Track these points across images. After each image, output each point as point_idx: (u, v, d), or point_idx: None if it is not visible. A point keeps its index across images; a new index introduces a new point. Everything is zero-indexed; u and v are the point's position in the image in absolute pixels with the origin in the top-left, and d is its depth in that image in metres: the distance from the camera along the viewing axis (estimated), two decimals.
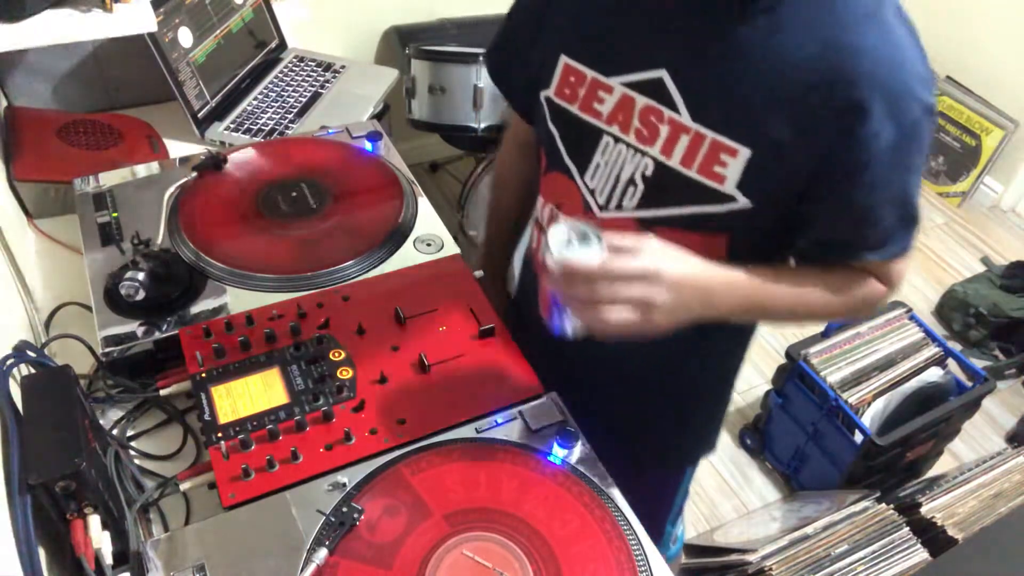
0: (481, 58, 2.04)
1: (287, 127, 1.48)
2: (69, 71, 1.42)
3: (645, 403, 1.04)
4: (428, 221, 1.13)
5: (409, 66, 2.11)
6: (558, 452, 0.83)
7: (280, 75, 1.62)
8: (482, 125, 2.12)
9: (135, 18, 1.28)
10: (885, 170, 0.74)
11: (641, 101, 0.79)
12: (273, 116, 1.50)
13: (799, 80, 0.71)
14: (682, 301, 0.73)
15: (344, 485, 0.79)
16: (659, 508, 1.23)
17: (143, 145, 1.33)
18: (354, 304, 0.98)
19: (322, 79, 1.63)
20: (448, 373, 0.91)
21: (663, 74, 0.77)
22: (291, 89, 1.58)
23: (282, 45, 1.69)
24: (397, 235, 1.09)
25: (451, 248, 1.09)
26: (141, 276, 0.93)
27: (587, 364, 0.96)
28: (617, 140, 0.82)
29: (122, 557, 0.74)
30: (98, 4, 1.26)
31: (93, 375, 0.94)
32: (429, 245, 1.09)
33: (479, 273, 1.06)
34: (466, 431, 0.86)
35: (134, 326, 0.94)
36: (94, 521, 0.72)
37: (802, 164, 0.74)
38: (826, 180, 0.75)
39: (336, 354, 0.92)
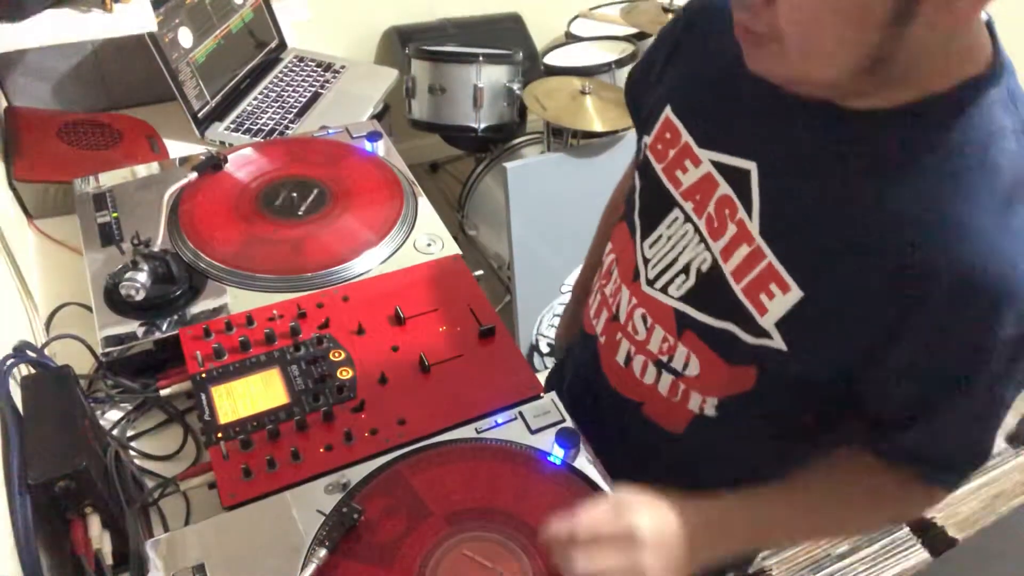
0: (481, 58, 2.04)
1: (287, 127, 1.48)
2: (69, 71, 1.42)
3: None
4: (428, 221, 1.13)
5: (409, 66, 2.11)
6: (558, 452, 0.83)
7: (280, 75, 1.62)
8: (482, 125, 2.12)
9: (135, 18, 1.28)
10: (948, 377, 0.62)
11: (722, 188, 0.69)
12: (273, 116, 1.50)
13: (887, 241, 0.59)
14: (671, 558, 0.65)
15: (344, 485, 0.79)
16: None
17: (143, 145, 1.33)
18: (354, 304, 0.98)
19: (322, 79, 1.63)
20: (448, 373, 0.91)
21: (753, 167, 0.66)
22: (291, 89, 1.58)
23: (282, 45, 1.69)
24: (397, 235, 1.09)
25: (451, 248, 1.09)
26: (141, 276, 0.93)
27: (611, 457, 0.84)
28: (687, 219, 0.73)
29: (122, 557, 0.74)
30: (98, 4, 1.26)
31: (93, 375, 0.94)
32: (429, 245, 1.09)
33: (479, 273, 1.06)
34: (466, 431, 0.85)
35: (134, 326, 0.94)
36: (94, 521, 0.72)
37: (856, 335, 0.63)
38: (884, 363, 0.63)
39: (336, 354, 0.92)
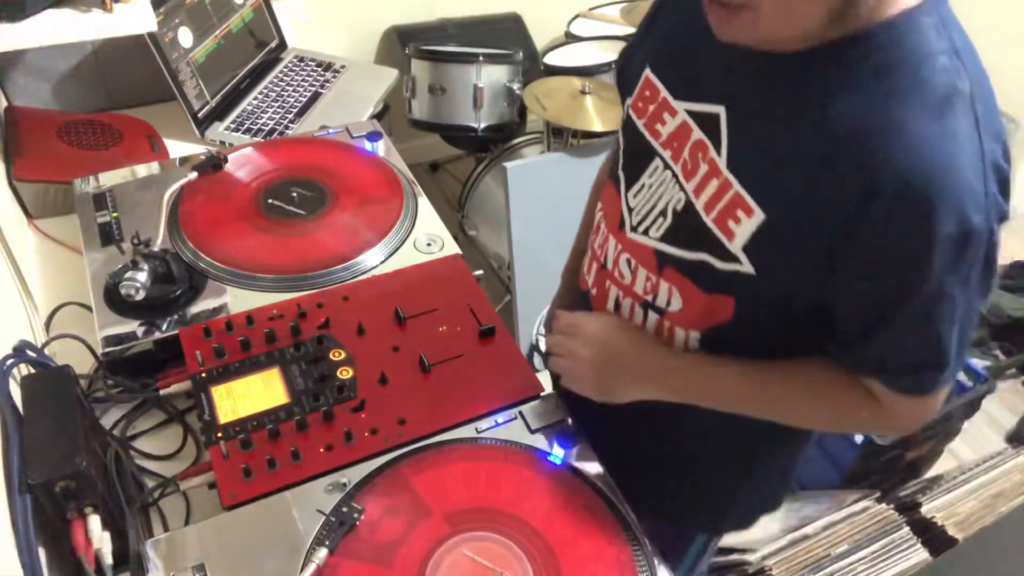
0: (481, 58, 2.04)
1: (287, 127, 1.48)
2: (69, 71, 1.42)
3: (652, 451, 0.94)
4: (428, 221, 1.13)
5: (409, 66, 2.11)
6: (558, 452, 0.83)
7: (280, 75, 1.62)
8: (482, 125, 2.12)
9: (135, 18, 1.28)
10: (897, 282, 0.66)
11: (696, 133, 0.76)
12: (273, 116, 1.50)
13: (836, 153, 0.65)
14: (604, 359, 0.82)
15: (344, 485, 0.79)
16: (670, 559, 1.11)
17: (143, 145, 1.33)
18: (354, 304, 0.98)
19: (322, 79, 1.63)
20: (448, 373, 0.91)
21: (721, 111, 0.73)
22: (291, 89, 1.58)
23: (282, 45, 1.69)
24: (397, 235, 1.09)
25: (451, 248, 1.09)
26: (141, 276, 0.93)
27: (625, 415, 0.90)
28: (666, 166, 0.80)
29: (122, 557, 0.74)
30: (98, 4, 1.26)
31: (93, 375, 0.94)
32: (429, 245, 1.09)
33: (479, 273, 1.06)
34: (466, 431, 0.86)
35: (134, 326, 0.94)
36: (94, 521, 0.72)
37: (812, 249, 0.68)
38: (838, 274, 0.68)
39: (336, 354, 0.92)
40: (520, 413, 0.87)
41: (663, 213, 0.80)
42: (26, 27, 1.20)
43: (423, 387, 0.89)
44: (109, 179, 1.15)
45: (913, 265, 0.64)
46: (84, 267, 1.01)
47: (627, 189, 0.85)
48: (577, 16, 2.54)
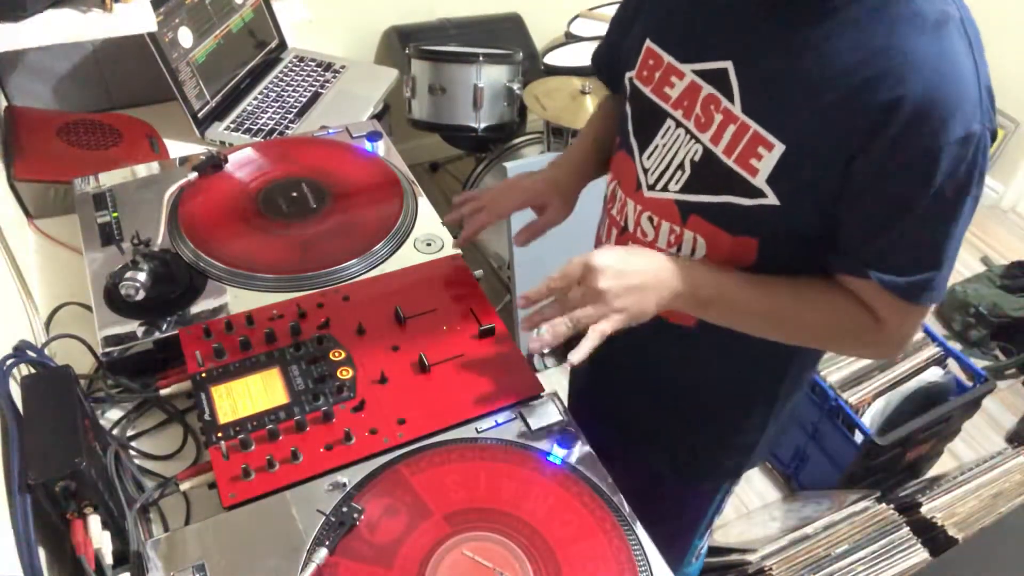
0: (481, 58, 2.04)
1: (287, 127, 1.48)
2: (69, 71, 1.42)
3: (681, 411, 1.02)
4: (428, 221, 1.13)
5: (409, 66, 2.11)
6: (558, 452, 0.83)
7: (280, 75, 1.62)
8: (482, 125, 2.12)
9: (135, 18, 1.28)
10: (906, 187, 0.72)
11: (706, 89, 0.81)
12: (273, 116, 1.50)
13: (842, 82, 0.71)
14: (629, 285, 0.80)
15: (344, 485, 0.79)
16: (691, 521, 1.20)
17: (143, 145, 1.33)
18: (354, 304, 0.98)
19: (322, 79, 1.63)
20: (448, 373, 0.91)
21: (728, 65, 0.79)
22: (291, 89, 1.58)
23: (282, 45, 1.69)
24: (397, 235, 1.09)
25: (451, 248, 1.09)
26: (141, 276, 0.93)
27: (623, 368, 0.98)
28: (678, 124, 0.85)
29: (122, 557, 0.74)
30: (98, 4, 1.26)
31: (93, 375, 0.94)
32: (429, 245, 1.09)
33: (479, 273, 1.06)
34: (466, 431, 0.86)
35: (134, 326, 0.94)
36: (94, 521, 0.72)
37: (831, 167, 0.74)
38: (851, 185, 0.74)
39: (336, 354, 0.92)
40: (520, 413, 0.87)
41: (680, 167, 0.85)
42: (26, 27, 1.20)
43: (423, 387, 0.89)
44: (109, 179, 1.15)
45: (923, 170, 0.70)
46: (84, 267, 1.01)
47: (641, 152, 0.90)
48: (577, 16, 2.55)
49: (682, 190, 0.85)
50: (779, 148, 0.76)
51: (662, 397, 1.00)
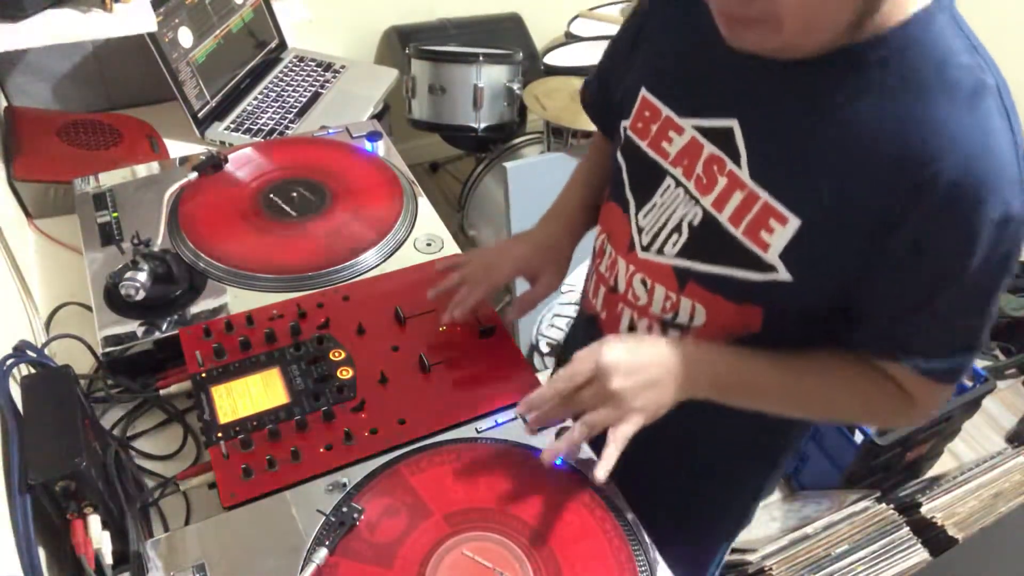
0: (481, 58, 2.04)
1: (287, 127, 1.48)
2: (69, 71, 1.42)
3: (681, 466, 0.94)
4: (428, 221, 1.13)
5: (409, 66, 2.11)
6: None
7: (280, 75, 1.62)
8: (482, 125, 2.12)
9: (135, 18, 1.28)
10: (938, 271, 0.66)
11: (708, 149, 0.74)
12: (273, 116, 1.50)
13: (867, 155, 0.65)
14: (645, 381, 0.74)
15: (344, 485, 0.79)
16: None
17: (143, 145, 1.33)
18: (354, 304, 0.98)
19: (322, 79, 1.63)
20: (448, 373, 0.91)
21: (734, 124, 0.72)
22: (291, 89, 1.58)
23: (282, 45, 1.69)
24: (397, 235, 1.09)
25: (451, 248, 1.09)
26: (141, 276, 0.93)
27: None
28: (678, 184, 0.78)
29: (122, 557, 0.74)
30: (98, 4, 1.26)
31: (93, 375, 0.94)
32: (429, 245, 1.09)
33: None
34: (466, 431, 0.86)
35: (134, 326, 0.94)
36: (94, 521, 0.72)
37: (853, 246, 0.68)
38: (878, 265, 0.68)
39: (336, 354, 0.92)
40: (520, 413, 0.87)
41: (677, 229, 0.79)
42: (26, 27, 1.20)
43: (423, 387, 0.89)
44: (109, 179, 1.15)
45: (959, 251, 0.65)
46: (84, 267, 1.01)
47: (638, 210, 0.83)
48: (577, 16, 2.54)
49: (679, 254, 0.79)
50: (794, 223, 0.69)
51: (663, 449, 0.86)
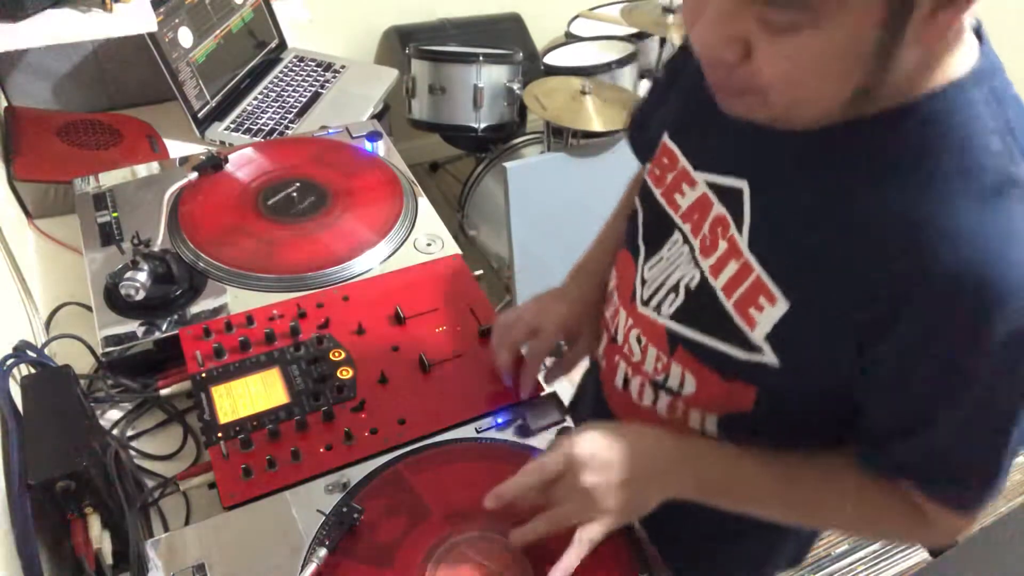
0: (481, 58, 2.04)
1: (287, 127, 1.48)
2: (69, 71, 1.42)
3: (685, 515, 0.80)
4: (428, 221, 1.13)
5: (409, 66, 2.11)
6: None
7: (280, 75, 1.62)
8: (482, 125, 2.12)
9: (135, 18, 1.28)
10: (940, 387, 0.59)
11: (717, 208, 0.69)
12: (273, 116, 1.50)
13: (866, 243, 0.58)
14: (619, 479, 0.68)
15: (344, 485, 0.79)
16: None
17: (143, 145, 1.33)
18: (354, 304, 0.98)
19: (322, 79, 1.63)
20: (448, 373, 0.91)
21: (744, 186, 0.67)
22: (291, 89, 1.58)
23: (282, 45, 1.69)
24: (397, 235, 1.09)
25: (451, 248, 1.09)
26: (141, 276, 0.93)
27: None
28: (685, 240, 0.73)
29: (122, 557, 0.74)
30: (98, 4, 1.26)
31: (93, 375, 0.94)
32: (429, 245, 1.09)
33: (479, 273, 1.06)
34: (466, 431, 0.86)
35: (134, 326, 0.94)
36: (94, 521, 0.72)
37: (844, 340, 0.61)
38: (872, 370, 0.61)
39: (336, 354, 0.92)
40: (520, 413, 0.87)
41: (675, 289, 0.74)
42: (26, 27, 1.19)
43: (423, 387, 0.89)
44: (109, 179, 1.15)
45: (961, 366, 0.57)
46: (84, 267, 1.01)
47: (645, 260, 0.79)
48: (577, 16, 2.55)
49: (673, 316, 0.74)
50: (782, 305, 0.63)
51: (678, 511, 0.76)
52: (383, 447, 0.83)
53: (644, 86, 2.33)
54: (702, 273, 0.71)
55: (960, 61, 0.57)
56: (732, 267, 0.67)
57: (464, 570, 0.72)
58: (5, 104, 1.36)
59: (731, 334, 0.68)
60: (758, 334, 0.66)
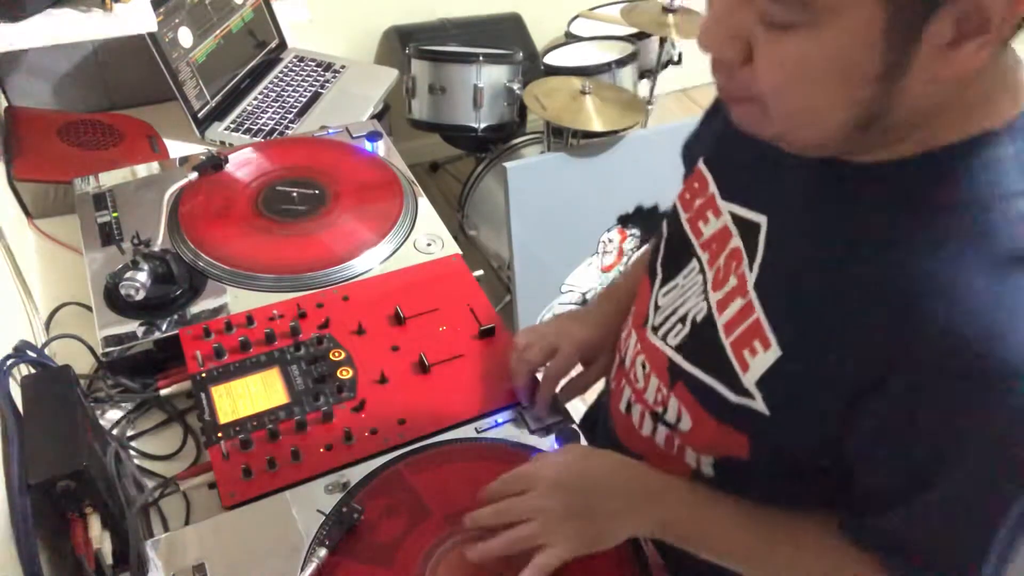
0: (481, 58, 2.04)
1: (287, 127, 1.48)
2: (69, 71, 1.42)
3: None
4: (428, 221, 1.13)
5: (409, 66, 2.11)
6: None
7: (280, 75, 1.62)
8: (482, 125, 2.12)
9: (135, 18, 1.28)
10: (929, 460, 0.55)
11: (734, 241, 0.67)
12: (273, 116, 1.50)
13: (869, 306, 0.55)
14: (574, 507, 0.67)
15: (344, 485, 0.79)
16: None
17: (143, 145, 1.33)
18: (354, 304, 0.98)
19: (322, 79, 1.63)
20: (448, 373, 0.91)
21: (763, 221, 0.64)
22: (291, 89, 1.58)
23: (282, 45, 1.69)
24: (397, 235, 1.09)
25: (451, 248, 1.09)
26: (141, 276, 0.93)
27: None
28: (700, 270, 0.71)
29: (122, 557, 0.74)
30: (98, 4, 1.26)
31: (93, 375, 0.94)
32: (429, 245, 1.09)
33: (479, 273, 1.06)
34: (466, 431, 0.86)
35: (134, 326, 0.94)
36: (94, 521, 0.72)
37: (832, 398, 0.58)
38: (860, 433, 0.58)
39: (336, 354, 0.92)
40: (520, 413, 0.87)
41: (683, 320, 0.72)
42: (26, 27, 1.19)
43: (423, 387, 0.89)
44: (109, 179, 1.15)
45: (947, 443, 0.54)
46: (84, 267, 1.01)
47: (661, 286, 0.77)
48: (577, 16, 2.55)
49: (677, 348, 0.72)
50: (774, 352, 0.60)
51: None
52: (383, 447, 0.83)
53: (644, 86, 2.34)
54: (709, 307, 0.69)
55: (999, 111, 0.52)
56: (736, 304, 0.65)
57: (464, 570, 0.72)
58: (5, 104, 1.36)
59: (725, 374, 0.65)
60: (749, 378, 0.63)
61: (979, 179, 0.52)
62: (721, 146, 0.73)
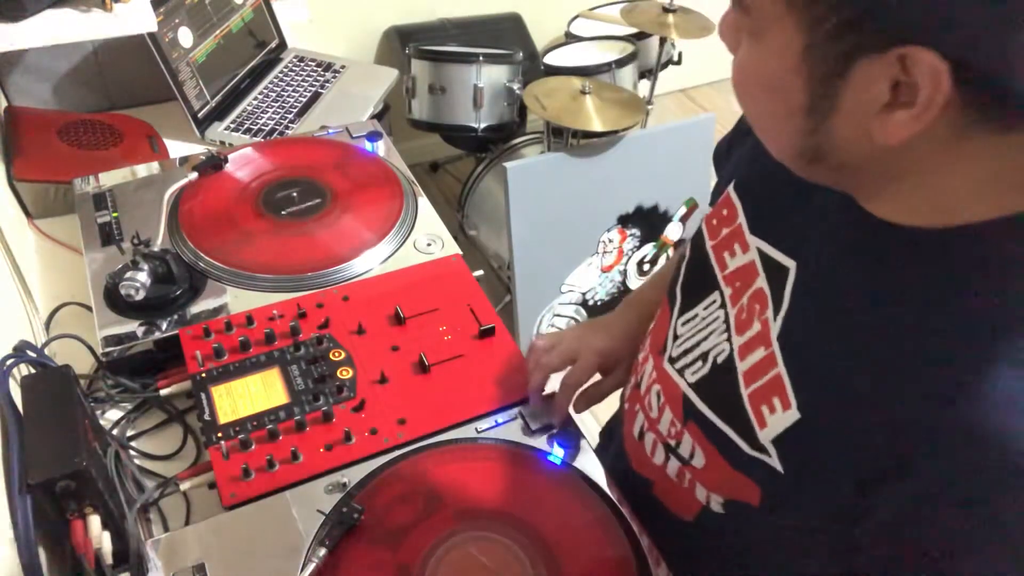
0: (481, 58, 2.04)
1: (287, 127, 1.48)
2: (69, 71, 1.42)
3: None
4: (428, 221, 1.13)
5: (409, 66, 2.11)
6: (558, 452, 0.83)
7: (280, 75, 1.62)
8: (482, 125, 2.12)
9: (135, 18, 1.28)
10: (944, 551, 0.51)
11: (760, 280, 0.63)
12: (273, 116, 1.50)
13: (894, 377, 0.52)
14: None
15: (344, 485, 0.79)
16: None
17: (143, 145, 1.33)
18: (354, 304, 0.98)
19: (322, 79, 1.63)
20: (448, 373, 0.91)
21: (792, 267, 0.61)
22: (291, 89, 1.58)
23: (282, 45, 1.69)
24: (397, 235, 1.09)
25: (451, 248, 1.09)
26: (141, 276, 0.93)
27: None
28: (722, 305, 0.68)
29: (122, 557, 0.74)
30: (98, 4, 1.26)
31: (93, 375, 0.94)
32: (429, 245, 1.09)
33: (479, 273, 1.06)
34: (466, 431, 0.86)
35: (134, 326, 0.94)
36: (94, 521, 0.72)
37: (848, 472, 0.55)
38: (871, 515, 0.54)
39: (336, 354, 0.92)
40: (520, 413, 0.87)
41: (703, 357, 0.69)
42: (26, 27, 1.19)
43: (423, 387, 0.89)
44: (109, 179, 1.15)
45: (959, 536, 0.51)
46: (84, 267, 1.01)
47: (680, 314, 0.74)
48: (577, 16, 2.55)
49: (694, 385, 0.69)
50: (793, 414, 0.57)
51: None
52: (383, 447, 0.83)
53: (644, 86, 2.34)
54: (731, 350, 0.65)
55: None
56: (759, 354, 0.62)
57: (463, 569, 0.72)
58: (5, 104, 1.36)
59: (741, 425, 0.63)
60: (765, 435, 0.60)
61: (1018, 266, 0.49)
62: (753, 173, 0.70)
